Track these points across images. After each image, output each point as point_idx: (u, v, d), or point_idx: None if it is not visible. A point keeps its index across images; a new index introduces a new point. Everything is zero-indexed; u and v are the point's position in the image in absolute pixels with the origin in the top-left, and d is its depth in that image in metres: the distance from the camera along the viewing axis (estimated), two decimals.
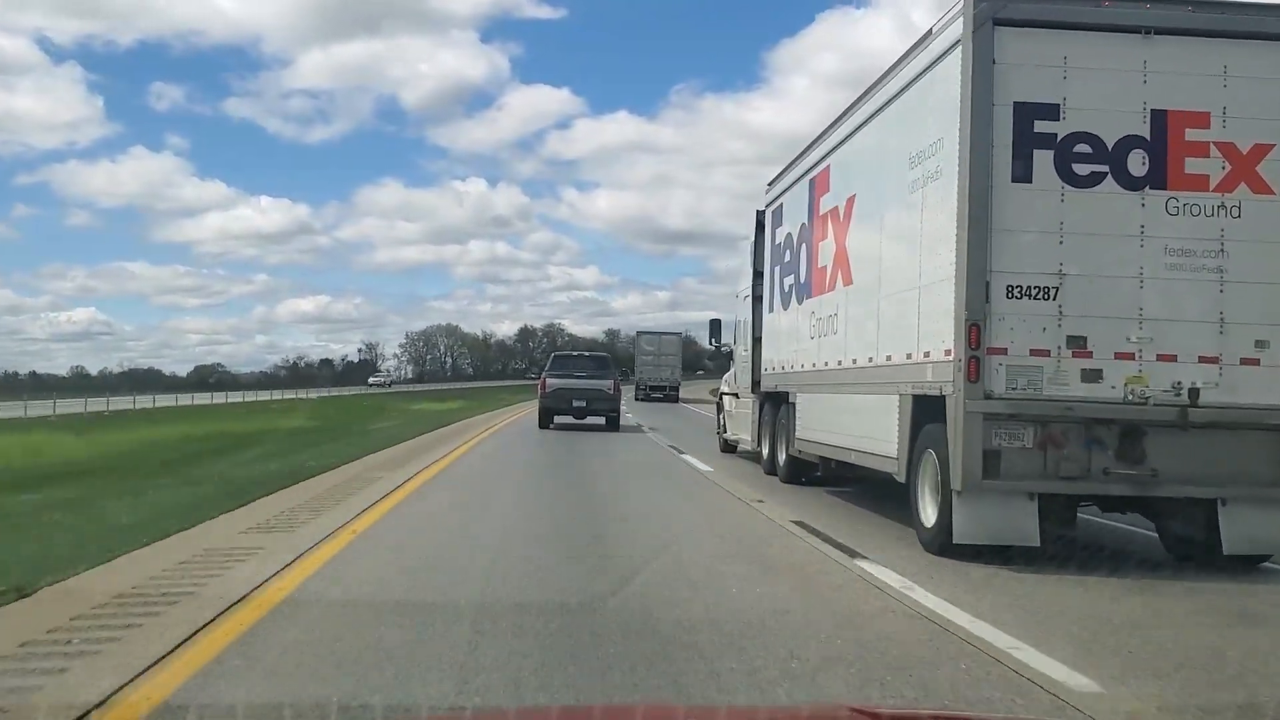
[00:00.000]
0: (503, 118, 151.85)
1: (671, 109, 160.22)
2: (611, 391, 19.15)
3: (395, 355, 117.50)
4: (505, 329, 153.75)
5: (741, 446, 12.22)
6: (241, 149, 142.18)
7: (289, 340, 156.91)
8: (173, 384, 66.08)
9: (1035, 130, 5.26)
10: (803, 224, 8.97)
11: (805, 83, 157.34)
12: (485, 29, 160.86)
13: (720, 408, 13.65)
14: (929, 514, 5.61)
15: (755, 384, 10.94)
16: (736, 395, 12.39)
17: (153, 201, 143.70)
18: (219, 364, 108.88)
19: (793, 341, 9.21)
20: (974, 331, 5.15)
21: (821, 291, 8.24)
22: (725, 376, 13.38)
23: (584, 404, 18.96)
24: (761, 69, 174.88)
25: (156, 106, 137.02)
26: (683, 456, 12.24)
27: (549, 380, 19.31)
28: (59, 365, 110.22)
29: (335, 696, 3.01)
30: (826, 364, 8.05)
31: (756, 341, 11.04)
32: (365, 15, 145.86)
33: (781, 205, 9.93)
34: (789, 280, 9.53)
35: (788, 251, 9.58)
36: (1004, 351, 5.21)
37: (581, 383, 19.43)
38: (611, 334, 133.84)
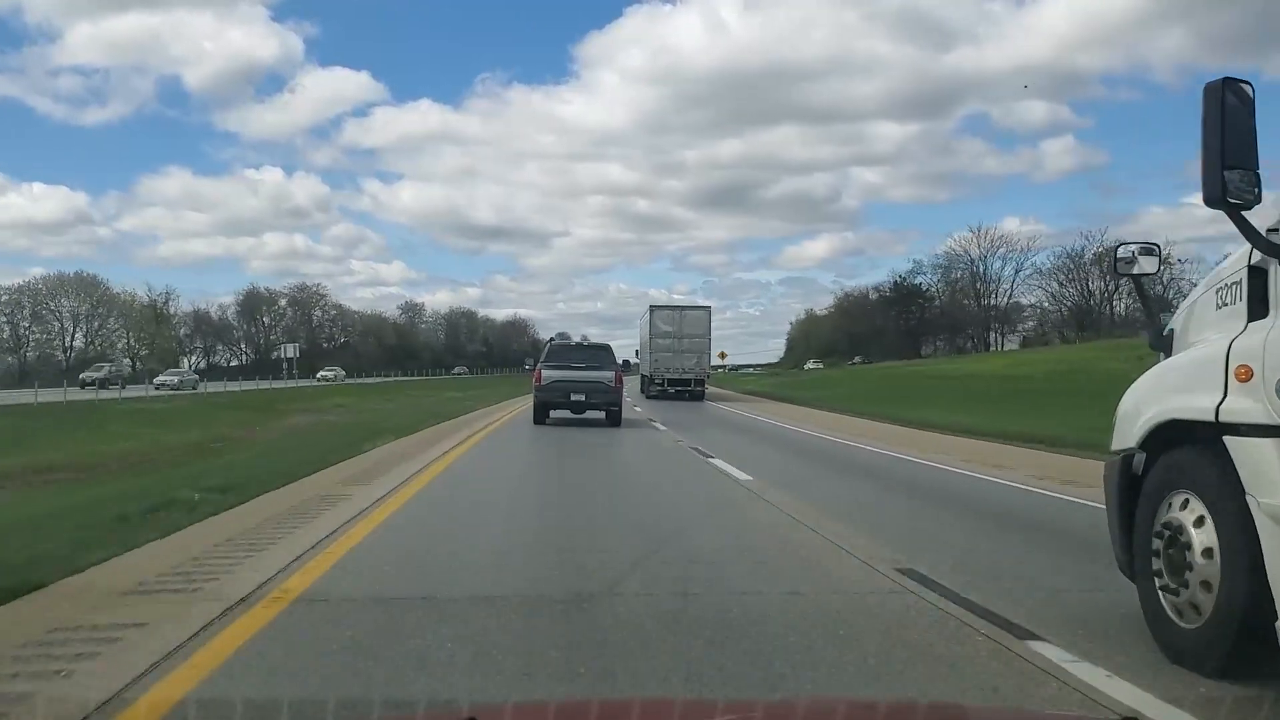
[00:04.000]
0: (297, 102, 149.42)
1: (477, 99, 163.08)
2: (613, 384, 19.66)
3: None
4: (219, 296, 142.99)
5: None
6: (6, 130, 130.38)
7: (66, 336, 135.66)
8: None
9: None
10: None
11: (615, 78, 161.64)
12: (277, 6, 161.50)
13: (1122, 490, 4.15)
14: None
15: None
16: None
17: None
18: None
19: None
20: None
21: None
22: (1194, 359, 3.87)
23: (583, 397, 19.33)
24: (570, 62, 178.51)
25: None
26: None
27: (545, 372, 19.64)
28: None
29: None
30: None
31: None
32: None
33: None
34: None
35: None
36: None
37: (580, 374, 19.50)
38: (410, 309, 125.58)
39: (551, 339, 25.71)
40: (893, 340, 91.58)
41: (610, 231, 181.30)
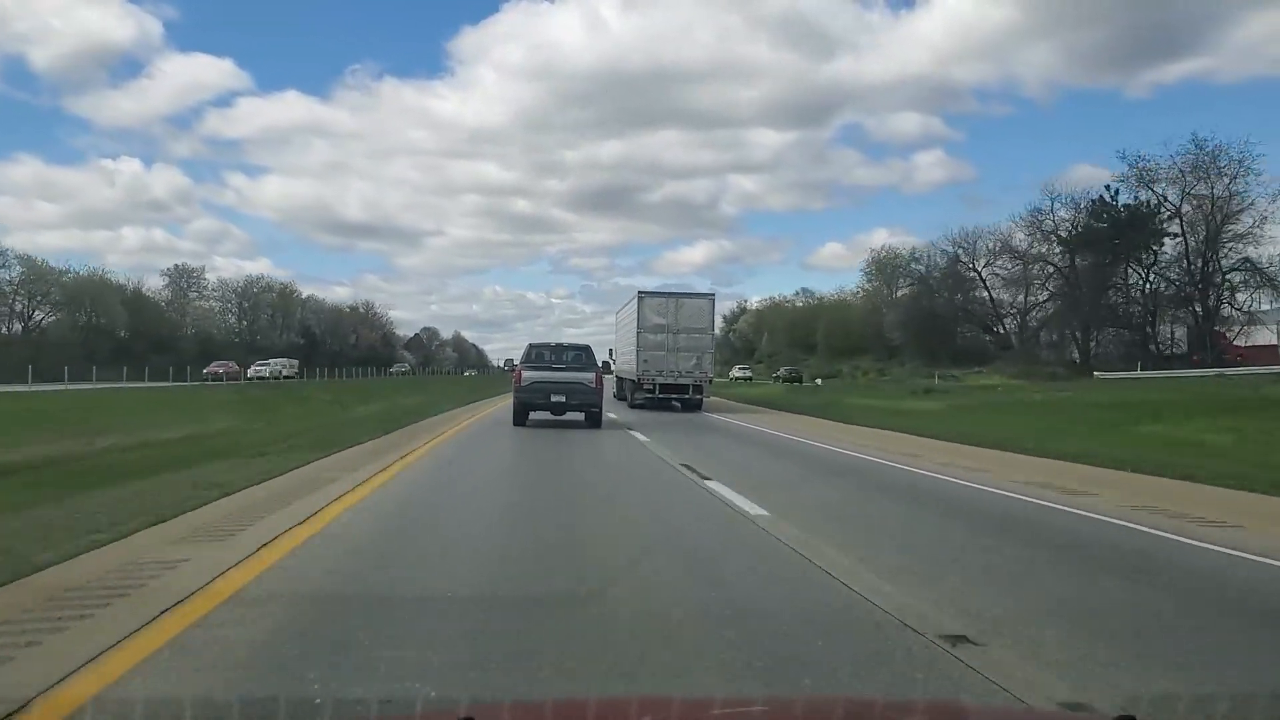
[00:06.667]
0: (156, 89, 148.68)
1: (347, 91, 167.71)
2: (593, 385, 21.43)
3: None
4: None
5: None
6: None
7: None
8: None
9: None
10: None
11: (491, 74, 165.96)
12: None
13: None
14: None
15: None
16: None
17: None
18: None
19: None
20: None
21: None
22: None
23: (563, 399, 20.90)
24: (444, 57, 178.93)
25: None
26: None
27: (525, 373, 21.47)
28: None
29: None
30: None
31: None
32: None
33: None
34: None
35: None
36: None
37: (560, 375, 21.17)
38: (181, 276, 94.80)
39: (530, 342, 25.52)
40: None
41: (486, 232, 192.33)
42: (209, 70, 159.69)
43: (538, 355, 21.78)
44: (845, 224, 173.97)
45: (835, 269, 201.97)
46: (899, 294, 72.71)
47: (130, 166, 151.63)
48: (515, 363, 22.77)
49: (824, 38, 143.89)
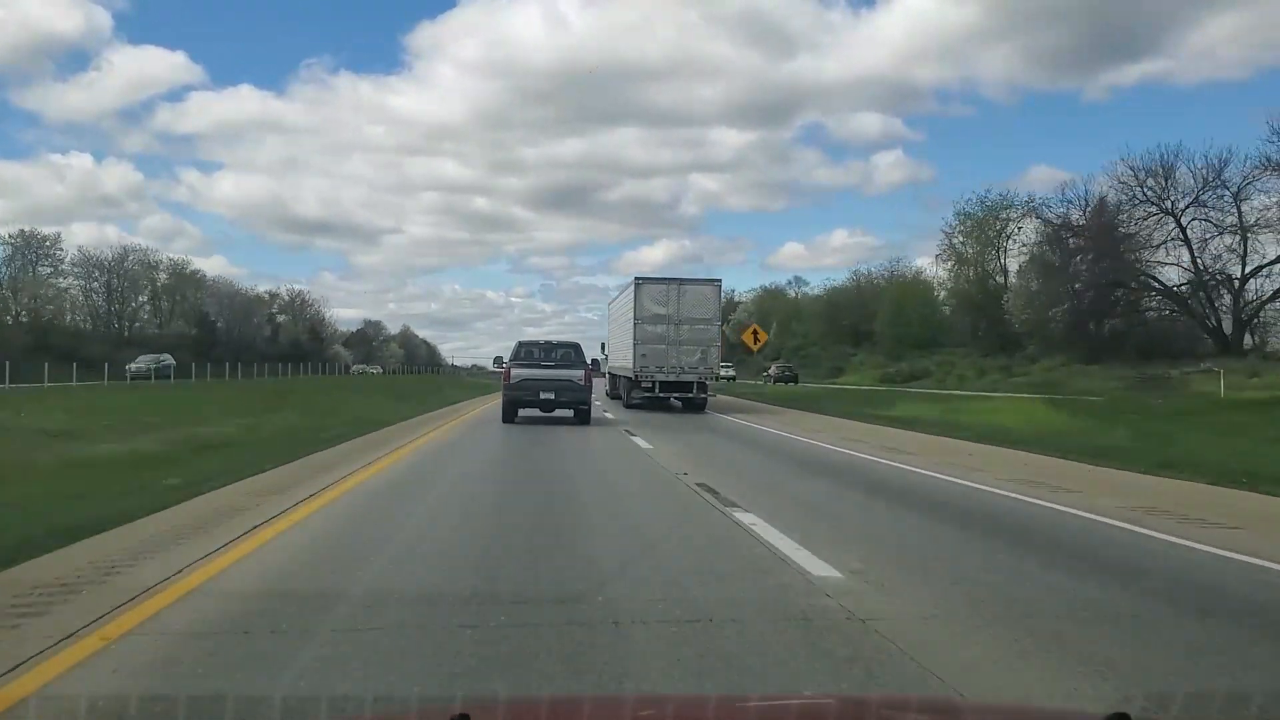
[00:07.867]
0: (105, 82, 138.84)
1: (301, 85, 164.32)
2: (582, 382, 22.54)
3: None
4: None
5: None
6: None
7: None
8: None
9: None
10: None
11: (449, 70, 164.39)
12: None
13: None
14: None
15: None
16: None
17: None
18: None
19: None
20: None
21: None
22: None
23: (552, 396, 21.93)
24: (401, 52, 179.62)
25: None
26: None
27: (514, 370, 22.41)
28: None
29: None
30: None
31: None
32: None
33: None
34: None
35: None
36: None
37: (550, 373, 22.29)
38: (30, 244, 78.06)
39: (519, 340, 26.72)
40: None
41: (444, 230, 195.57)
42: (160, 63, 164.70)
43: (527, 353, 23.17)
44: (806, 224, 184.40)
45: (796, 269, 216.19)
46: (1010, 259, 56.63)
47: (80, 161, 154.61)
48: (505, 360, 24.17)
49: (784, 36, 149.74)
